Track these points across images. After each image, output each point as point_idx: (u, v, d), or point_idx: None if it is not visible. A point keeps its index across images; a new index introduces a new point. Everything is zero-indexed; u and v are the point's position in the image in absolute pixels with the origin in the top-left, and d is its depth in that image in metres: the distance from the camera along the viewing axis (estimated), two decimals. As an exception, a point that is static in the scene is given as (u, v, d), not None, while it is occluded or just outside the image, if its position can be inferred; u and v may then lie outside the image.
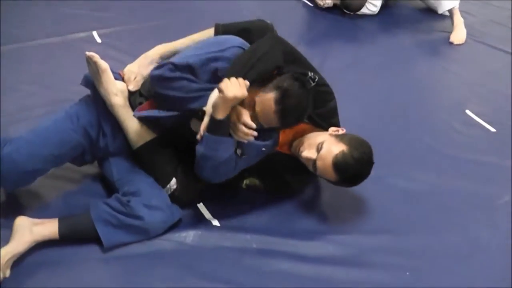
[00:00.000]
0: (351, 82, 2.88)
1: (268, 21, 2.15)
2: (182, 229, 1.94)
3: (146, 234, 1.86)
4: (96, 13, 3.41)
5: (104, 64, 1.93)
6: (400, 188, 2.22)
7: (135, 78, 2.02)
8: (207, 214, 2.00)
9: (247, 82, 1.71)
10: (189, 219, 1.98)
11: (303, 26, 3.74)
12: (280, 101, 1.71)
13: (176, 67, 1.81)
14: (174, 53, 2.10)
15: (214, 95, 1.76)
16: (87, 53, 1.91)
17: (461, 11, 3.62)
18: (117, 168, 2.00)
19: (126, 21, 3.37)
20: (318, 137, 1.92)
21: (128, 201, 1.84)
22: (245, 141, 1.77)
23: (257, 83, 1.78)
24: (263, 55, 1.82)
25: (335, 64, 3.10)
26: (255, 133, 1.75)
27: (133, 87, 2.00)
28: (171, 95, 1.83)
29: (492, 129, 2.68)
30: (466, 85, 3.08)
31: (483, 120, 2.75)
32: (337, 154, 1.84)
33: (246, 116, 1.75)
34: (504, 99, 2.95)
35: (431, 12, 3.86)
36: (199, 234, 1.93)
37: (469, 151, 2.51)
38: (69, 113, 1.95)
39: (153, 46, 3.12)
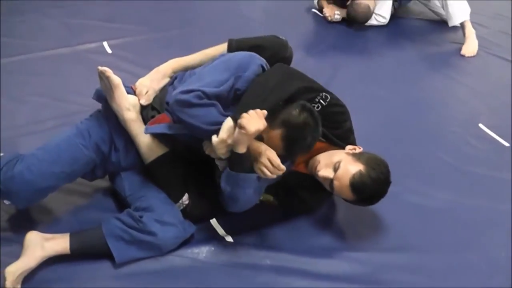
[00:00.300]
0: (361, 96, 2.85)
1: (282, 37, 2.13)
2: (195, 245, 1.92)
3: (159, 250, 1.83)
4: (106, 24, 3.40)
5: (116, 79, 1.91)
6: (415, 204, 2.19)
7: (146, 92, 2.00)
8: (220, 230, 1.98)
9: (265, 112, 1.69)
10: (202, 235, 1.95)
11: (311, 36, 3.72)
12: (286, 138, 1.70)
13: (205, 95, 1.75)
14: (186, 68, 2.09)
15: (227, 124, 1.72)
16: (100, 68, 1.89)
17: (472, 23, 3.60)
18: (129, 183, 1.98)
19: (137, 31, 3.36)
20: (335, 156, 1.89)
21: (141, 217, 1.82)
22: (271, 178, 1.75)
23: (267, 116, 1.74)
24: (275, 87, 1.82)
25: (345, 77, 3.08)
26: (282, 168, 1.72)
27: (145, 101, 1.97)
28: (192, 123, 1.75)
29: (506, 144, 2.65)
30: (478, 98, 3.05)
31: (496, 134, 2.71)
32: (354, 174, 1.81)
33: (274, 156, 1.72)
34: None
35: (441, 23, 3.84)
36: (212, 250, 1.91)
37: (484, 166, 2.47)
38: (80, 129, 1.93)
39: (164, 57, 3.11)
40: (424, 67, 3.34)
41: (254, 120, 1.65)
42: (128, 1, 3.76)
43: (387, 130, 2.64)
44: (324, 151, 1.96)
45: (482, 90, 3.11)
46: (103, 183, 2.13)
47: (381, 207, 2.06)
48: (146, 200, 1.89)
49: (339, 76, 3.06)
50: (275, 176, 1.73)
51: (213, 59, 2.03)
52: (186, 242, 1.90)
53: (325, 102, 1.85)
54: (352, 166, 1.83)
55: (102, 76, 1.91)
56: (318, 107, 1.88)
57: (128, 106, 1.92)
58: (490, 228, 2.13)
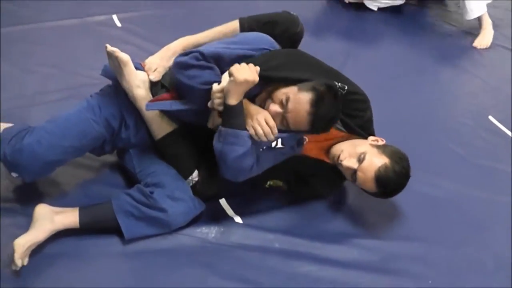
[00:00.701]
0: (371, 85, 2.78)
1: (293, 13, 2.11)
2: (204, 224, 1.90)
3: (168, 227, 1.82)
4: (116, -4, 3.34)
5: (125, 57, 1.87)
6: (425, 195, 2.18)
7: (156, 69, 1.97)
8: (229, 211, 1.96)
9: (258, 68, 1.68)
10: (211, 215, 1.94)
11: (322, 20, 3.67)
12: (315, 104, 1.66)
13: (203, 56, 1.76)
14: (196, 46, 2.03)
15: (226, 75, 1.71)
16: (108, 47, 1.85)
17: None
18: (138, 159, 1.96)
19: (147, 6, 3.30)
20: (359, 146, 1.88)
21: (152, 193, 1.80)
22: (265, 140, 1.71)
23: (281, 84, 1.74)
24: (285, 64, 1.80)
25: (356, 65, 3.03)
26: (275, 132, 1.70)
27: (154, 77, 1.94)
28: (188, 84, 1.77)
29: (515, 136, 2.65)
30: (489, 91, 3.03)
31: (505, 127, 2.70)
32: (380, 167, 1.81)
33: (271, 118, 1.71)
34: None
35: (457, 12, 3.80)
36: (221, 230, 1.90)
37: (493, 159, 2.47)
38: (90, 103, 1.90)
39: (174, 33, 3.06)
40: (436, 57, 3.30)
41: (245, 70, 1.65)
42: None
43: (398, 120, 2.60)
44: (344, 140, 1.94)
45: (493, 83, 3.09)
46: (111, 158, 2.11)
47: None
48: (157, 176, 1.87)
49: (349, 63, 3.02)
50: (265, 139, 1.70)
51: (224, 36, 2.01)
52: (196, 222, 1.89)
53: (343, 91, 1.82)
54: (378, 159, 1.82)
55: (111, 56, 1.87)
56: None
57: (138, 83, 1.89)
58: (498, 221, 2.13)
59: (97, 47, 2.82)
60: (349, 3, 3.71)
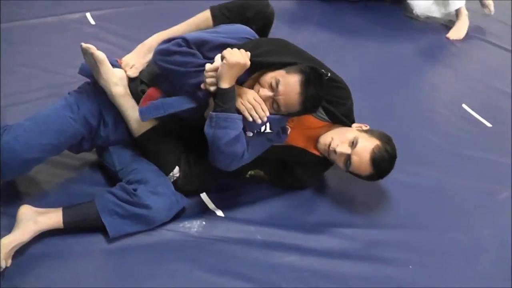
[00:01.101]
0: (346, 77, 2.86)
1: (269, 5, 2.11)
2: (187, 219, 1.91)
3: (153, 223, 1.83)
4: (89, -6, 3.32)
5: (101, 55, 1.87)
6: (404, 183, 2.22)
7: (133, 65, 1.98)
8: (210, 205, 1.98)
9: (249, 53, 1.72)
10: (194, 209, 1.95)
11: (299, 15, 3.69)
12: (304, 84, 1.72)
13: (186, 42, 1.78)
14: None
15: (219, 56, 1.74)
16: (83, 44, 1.86)
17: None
18: (118, 157, 1.96)
19: (121, 3, 3.28)
20: (348, 133, 1.92)
21: (135, 190, 1.81)
22: (258, 122, 1.74)
23: (268, 69, 1.78)
24: (270, 52, 1.83)
25: (332, 59, 3.05)
26: (267, 113, 1.74)
27: (132, 73, 1.95)
28: (172, 69, 1.78)
29: (489, 124, 2.70)
30: (462, 80, 3.09)
31: (479, 115, 2.76)
32: (373, 148, 1.86)
33: (254, 93, 1.76)
34: (500, 95, 2.97)
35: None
36: (203, 225, 1.91)
37: (468, 147, 2.53)
38: (68, 101, 1.90)
39: (148, 30, 3.03)
40: (410, 49, 3.36)
41: (237, 53, 1.70)
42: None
43: (374, 111, 2.65)
44: (328, 129, 1.97)
45: (467, 73, 3.15)
46: (90, 156, 2.10)
47: (371, 185, 2.10)
48: (139, 173, 1.88)
49: (326, 55, 3.05)
50: (257, 117, 1.73)
51: (198, 28, 2.06)
52: (178, 217, 1.90)
53: (326, 77, 1.86)
54: (369, 142, 1.88)
55: (87, 53, 1.87)
56: None
57: (115, 81, 1.89)
58: (475, 206, 2.18)
59: (72, 45, 2.79)
60: None
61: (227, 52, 1.69)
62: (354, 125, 1.99)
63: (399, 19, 3.74)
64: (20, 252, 1.69)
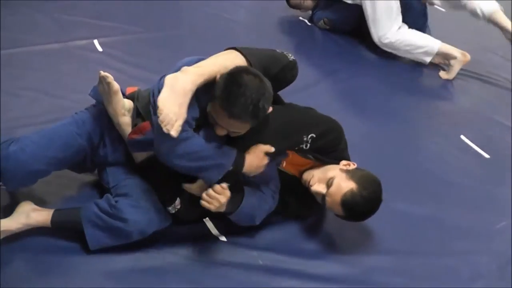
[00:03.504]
0: (345, 107, 2.92)
1: (291, 57, 1.91)
2: (189, 243, 1.94)
3: (130, 237, 1.83)
4: (97, 22, 3.40)
5: (116, 86, 1.90)
6: (401, 212, 2.25)
7: (176, 121, 1.63)
8: (213, 230, 2.01)
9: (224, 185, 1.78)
10: (197, 233, 1.98)
11: (298, 43, 3.77)
12: (222, 101, 1.64)
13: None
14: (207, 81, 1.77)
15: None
16: (102, 73, 1.88)
17: (454, 40, 3.68)
18: (113, 176, 1.99)
19: (127, 30, 3.37)
20: (329, 172, 1.93)
21: (116, 201, 1.83)
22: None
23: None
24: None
25: (330, 86, 3.14)
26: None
27: (175, 133, 1.63)
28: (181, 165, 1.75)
29: (486, 155, 2.75)
30: (460, 112, 3.15)
31: (477, 146, 2.81)
32: (346, 193, 1.85)
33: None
34: (496, 126, 3.03)
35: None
36: (206, 248, 1.94)
37: (465, 177, 2.57)
38: (75, 118, 1.96)
39: (155, 57, 3.17)
40: (407, 80, 3.42)
41: (214, 200, 1.77)
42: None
43: (372, 140, 2.71)
44: (317, 166, 2.01)
45: (463, 105, 3.21)
46: (93, 177, 2.15)
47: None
48: (127, 187, 1.91)
49: (322, 83, 3.13)
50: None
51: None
52: (181, 240, 1.93)
53: (311, 140, 1.89)
54: (345, 183, 1.87)
55: (103, 81, 1.89)
56: (306, 146, 1.91)
57: (123, 112, 1.92)
58: (472, 235, 2.21)
59: (79, 71, 2.88)
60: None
61: (206, 204, 1.77)
62: (342, 162, 1.98)
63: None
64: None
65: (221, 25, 3.50)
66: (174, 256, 1.89)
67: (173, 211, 1.89)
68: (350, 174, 1.91)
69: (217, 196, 1.76)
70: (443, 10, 4.29)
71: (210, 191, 1.75)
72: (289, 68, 1.87)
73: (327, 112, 2.04)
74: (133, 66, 2.98)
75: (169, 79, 1.67)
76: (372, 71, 3.50)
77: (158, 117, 1.61)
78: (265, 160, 1.83)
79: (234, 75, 1.67)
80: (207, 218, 2.04)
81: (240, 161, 1.78)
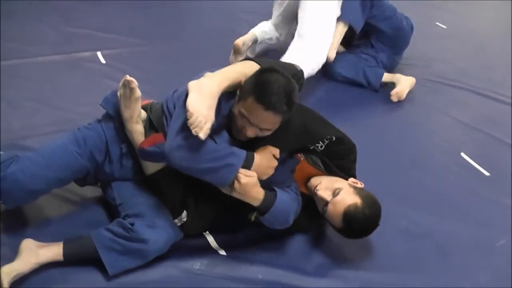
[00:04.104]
0: (345, 125, 2.91)
1: (298, 67, 2.03)
2: (190, 256, 1.95)
3: (149, 256, 1.84)
4: (101, 34, 3.43)
5: (138, 93, 1.91)
6: (401, 228, 2.26)
7: (205, 123, 1.67)
8: (214, 244, 2.01)
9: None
10: (197, 247, 1.99)
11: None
12: (258, 98, 1.69)
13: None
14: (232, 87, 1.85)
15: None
16: (128, 77, 1.88)
17: (454, 57, 3.70)
18: (119, 192, 1.99)
19: (130, 42, 3.40)
20: (337, 182, 1.97)
21: (132, 224, 1.83)
22: None
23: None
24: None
25: (332, 101, 3.15)
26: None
27: (204, 135, 1.66)
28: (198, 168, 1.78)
29: (486, 173, 2.76)
30: (461, 129, 3.16)
31: (477, 163, 2.82)
32: (350, 205, 1.88)
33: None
34: (496, 144, 3.04)
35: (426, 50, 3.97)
36: (206, 262, 1.94)
37: (466, 194, 2.57)
38: (77, 135, 1.95)
39: (159, 69, 3.18)
40: (409, 96, 3.44)
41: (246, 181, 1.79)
42: (123, 11, 3.80)
43: (372, 160, 2.69)
44: (325, 175, 2.03)
45: (464, 122, 3.22)
46: (95, 190, 2.15)
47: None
48: (137, 206, 1.91)
49: (324, 101, 3.14)
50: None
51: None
52: (182, 253, 1.93)
53: (328, 141, 1.95)
54: (351, 197, 1.90)
55: (127, 85, 1.89)
56: (321, 146, 1.96)
57: (138, 119, 1.94)
58: (472, 252, 2.21)
59: (82, 83, 2.90)
60: None
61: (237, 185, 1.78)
62: (350, 179, 2.03)
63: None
64: (21, 284, 1.71)
65: (224, 38, 3.52)
66: (175, 269, 1.89)
67: (179, 224, 1.90)
68: (358, 190, 1.94)
69: (247, 180, 1.78)
70: (444, 26, 4.33)
71: (240, 176, 1.77)
72: (297, 77, 1.93)
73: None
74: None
75: (194, 84, 1.73)
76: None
77: (187, 119, 1.64)
78: (274, 162, 1.85)
79: (263, 72, 1.76)
80: (207, 232, 2.04)
81: (250, 160, 1.81)
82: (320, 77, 3.27)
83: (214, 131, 1.79)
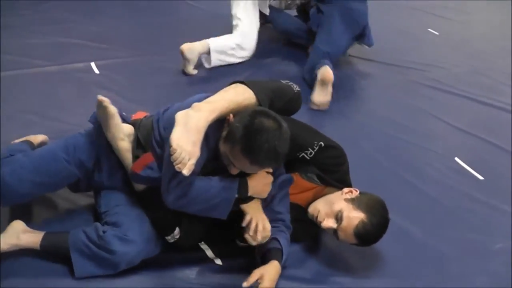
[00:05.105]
0: (337, 129, 2.93)
1: (295, 88, 1.95)
2: (186, 265, 1.95)
3: (117, 268, 1.82)
4: (95, 44, 3.44)
5: (113, 110, 1.89)
6: (398, 234, 2.24)
7: (189, 159, 1.62)
8: (209, 253, 2.01)
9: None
10: (193, 256, 1.98)
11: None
12: (245, 149, 1.64)
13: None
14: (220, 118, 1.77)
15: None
16: (99, 97, 1.89)
17: (446, 63, 3.71)
18: (105, 200, 1.99)
19: (124, 53, 3.41)
20: (335, 204, 1.94)
21: (104, 232, 1.82)
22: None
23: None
24: None
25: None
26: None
27: (188, 171, 1.62)
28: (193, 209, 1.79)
29: (480, 177, 2.77)
30: (455, 134, 3.17)
31: (471, 168, 2.83)
32: (357, 225, 1.88)
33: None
34: (490, 148, 3.05)
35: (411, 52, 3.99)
36: (202, 272, 1.94)
37: (460, 198, 2.58)
38: (67, 142, 1.96)
39: (152, 80, 3.18)
40: (403, 99, 3.46)
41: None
42: (118, 22, 3.81)
43: (367, 162, 2.72)
44: (320, 192, 2.03)
45: (458, 127, 3.23)
46: (88, 198, 2.16)
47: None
48: (116, 216, 1.89)
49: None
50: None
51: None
52: (178, 263, 1.93)
53: (318, 148, 1.94)
54: (354, 215, 1.89)
55: (100, 105, 1.89)
56: (311, 153, 1.96)
57: (122, 136, 1.91)
58: (469, 257, 2.22)
59: (76, 94, 2.91)
60: None
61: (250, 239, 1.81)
62: (344, 190, 2.00)
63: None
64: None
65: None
66: (170, 279, 1.89)
67: (172, 241, 1.89)
68: (357, 203, 1.92)
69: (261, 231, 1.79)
70: (436, 33, 4.33)
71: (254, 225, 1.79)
72: (294, 100, 1.92)
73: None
74: (130, 89, 3.00)
75: (181, 116, 1.66)
76: (370, 86, 3.54)
77: (170, 155, 1.60)
78: (269, 178, 1.85)
79: (254, 117, 1.66)
80: (202, 242, 2.03)
81: (244, 188, 1.79)
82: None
83: (203, 164, 1.75)
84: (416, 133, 3.13)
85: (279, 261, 1.84)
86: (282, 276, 1.94)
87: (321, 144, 1.95)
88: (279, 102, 1.85)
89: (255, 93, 1.77)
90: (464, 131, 3.19)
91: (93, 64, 3.19)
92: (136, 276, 1.86)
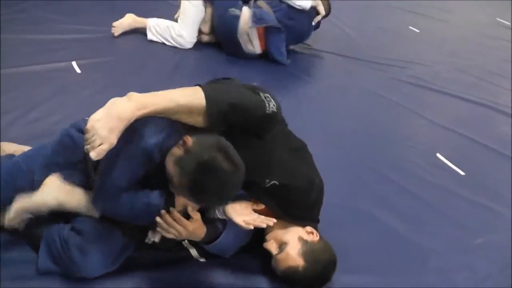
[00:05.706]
0: (319, 126, 2.95)
1: (270, 108, 1.69)
2: (170, 265, 1.93)
3: (76, 274, 1.78)
4: (76, 43, 3.40)
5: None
6: (379, 231, 2.28)
7: (100, 144, 1.50)
8: (193, 252, 2.00)
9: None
10: (176, 255, 1.98)
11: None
12: (191, 190, 1.57)
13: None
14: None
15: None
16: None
17: (427, 60, 3.75)
18: None
19: (106, 53, 3.38)
20: (287, 234, 1.89)
21: (68, 238, 1.77)
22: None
23: None
24: None
25: (292, 104, 3.16)
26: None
27: (96, 156, 1.50)
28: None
29: (462, 173, 2.80)
30: (436, 131, 3.21)
31: (452, 163, 2.87)
32: (290, 267, 1.83)
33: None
34: (470, 144, 3.10)
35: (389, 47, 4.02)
36: (186, 270, 1.93)
37: (442, 194, 2.62)
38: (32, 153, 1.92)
39: (134, 80, 3.17)
40: (386, 98, 3.49)
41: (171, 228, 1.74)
42: (99, 21, 3.77)
43: (348, 161, 2.74)
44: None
45: (439, 123, 3.27)
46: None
47: (347, 232, 2.18)
48: (82, 223, 1.81)
49: (289, 100, 3.15)
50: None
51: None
52: (162, 262, 1.92)
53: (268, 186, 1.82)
54: (294, 257, 1.83)
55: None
56: (267, 183, 1.82)
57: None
58: (450, 251, 2.25)
59: (55, 93, 2.87)
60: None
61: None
62: (306, 228, 1.91)
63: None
64: None
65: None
66: (155, 280, 1.87)
67: (150, 243, 1.87)
68: (304, 248, 1.84)
69: (175, 226, 1.73)
70: (417, 30, 4.39)
71: (167, 217, 1.71)
72: (261, 121, 1.69)
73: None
74: (112, 88, 2.97)
75: (111, 101, 1.56)
76: (351, 83, 3.55)
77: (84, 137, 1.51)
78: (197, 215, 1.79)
79: (209, 157, 1.53)
80: (185, 240, 2.03)
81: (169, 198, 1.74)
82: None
83: (144, 182, 1.69)
84: (397, 130, 3.17)
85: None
86: (263, 271, 1.97)
87: (274, 183, 1.81)
88: (238, 119, 1.65)
89: (207, 102, 1.59)
90: (445, 128, 3.23)
91: (74, 64, 3.16)
92: (119, 276, 1.85)
